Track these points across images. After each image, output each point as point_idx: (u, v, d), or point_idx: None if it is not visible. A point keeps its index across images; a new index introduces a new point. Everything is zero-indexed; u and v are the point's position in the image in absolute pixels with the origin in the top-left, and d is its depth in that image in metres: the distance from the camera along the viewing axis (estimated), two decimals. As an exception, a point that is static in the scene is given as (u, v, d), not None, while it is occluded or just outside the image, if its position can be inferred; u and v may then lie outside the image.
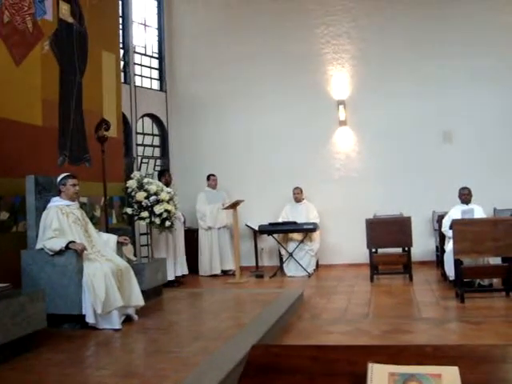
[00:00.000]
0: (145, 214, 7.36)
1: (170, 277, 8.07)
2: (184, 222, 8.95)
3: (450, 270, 6.87)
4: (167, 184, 8.44)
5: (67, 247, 5.20)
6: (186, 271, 8.60)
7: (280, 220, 9.27)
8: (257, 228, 9.24)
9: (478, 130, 9.30)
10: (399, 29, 9.64)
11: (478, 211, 7.32)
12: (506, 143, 9.20)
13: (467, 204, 7.43)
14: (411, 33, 9.58)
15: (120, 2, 9.11)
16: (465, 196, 7.46)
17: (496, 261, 6.62)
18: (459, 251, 6.27)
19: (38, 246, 5.39)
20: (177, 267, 8.40)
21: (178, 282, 8.33)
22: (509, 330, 5.06)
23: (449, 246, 6.96)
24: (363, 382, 1.27)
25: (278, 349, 1.48)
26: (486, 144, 9.25)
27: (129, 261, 6.07)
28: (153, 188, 7.41)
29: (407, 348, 1.38)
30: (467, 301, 6.19)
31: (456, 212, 7.29)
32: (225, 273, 9.36)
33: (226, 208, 8.87)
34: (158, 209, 7.34)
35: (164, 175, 8.75)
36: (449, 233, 6.95)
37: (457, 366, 1.23)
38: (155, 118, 10.35)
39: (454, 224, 6.37)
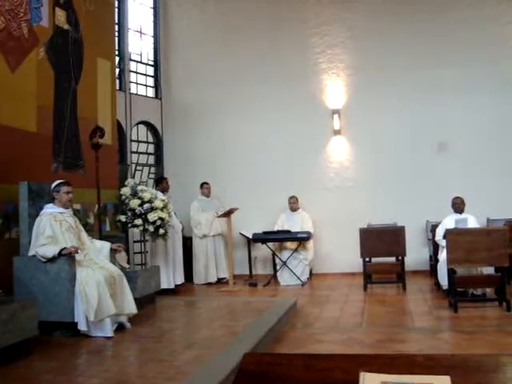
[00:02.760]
0: (138, 221, 7.34)
1: (170, 285, 8.07)
2: (182, 230, 8.95)
3: (443, 279, 6.88)
4: (164, 191, 8.45)
5: (60, 254, 5.18)
6: (182, 280, 8.59)
7: (275, 228, 9.27)
8: (251, 236, 9.23)
9: (472, 140, 9.34)
10: (394, 39, 9.68)
11: (472, 220, 7.35)
12: (499, 153, 9.24)
13: (460, 213, 7.46)
14: (406, 43, 9.63)
15: (116, 10, 9.13)
16: (458, 205, 7.50)
17: (489, 270, 6.63)
18: (452, 261, 6.28)
19: (31, 252, 5.37)
20: (176, 275, 8.39)
21: (172, 290, 8.32)
22: (502, 339, 5.06)
23: (442, 255, 6.97)
24: (355, 391, 1.26)
25: (270, 357, 1.47)
26: (479, 154, 9.29)
27: (122, 268, 6.05)
28: (147, 195, 7.39)
29: (399, 357, 1.38)
30: (460, 310, 6.19)
31: (449, 221, 7.32)
32: (219, 281, 9.34)
33: (220, 216, 8.86)
34: (151, 216, 7.32)
35: (161, 182, 8.76)
36: (442, 242, 6.97)
37: (448, 375, 1.23)
38: (150, 126, 10.35)
39: (448, 234, 6.38)
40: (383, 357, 1.41)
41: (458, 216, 7.40)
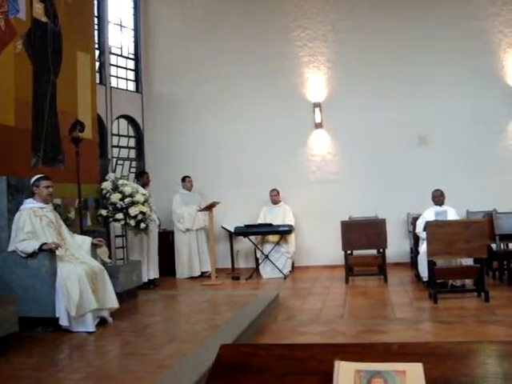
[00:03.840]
0: (120, 215, 7.30)
1: (144, 279, 8.03)
2: (159, 225, 8.91)
3: (423, 271, 6.96)
4: (145, 185, 8.40)
5: (40, 249, 5.14)
6: (157, 274, 8.53)
7: (258, 222, 9.29)
8: (233, 230, 9.24)
9: (451, 133, 9.43)
10: (375, 32, 9.72)
11: (451, 213, 7.44)
12: (478, 146, 9.34)
13: (440, 206, 7.55)
14: (387, 36, 9.68)
15: (96, 2, 9.04)
16: (437, 198, 7.58)
17: (468, 262, 6.72)
18: (432, 253, 6.35)
19: (10, 248, 5.33)
20: (150, 269, 8.35)
21: (154, 284, 8.30)
22: (480, 329, 5.14)
23: (422, 247, 7.05)
24: (330, 379, 1.28)
25: (247, 348, 1.48)
26: (459, 147, 9.38)
27: (103, 263, 6.02)
28: (128, 190, 7.36)
29: (374, 346, 1.40)
30: (440, 301, 6.27)
31: (429, 213, 7.40)
32: (203, 274, 9.33)
33: (202, 210, 8.86)
34: (132, 211, 7.29)
35: (142, 176, 8.72)
36: (422, 234, 7.04)
37: (421, 362, 1.25)
38: (131, 120, 10.29)
39: (428, 226, 6.45)
40: (358, 346, 1.43)
41: (438, 208, 7.49)
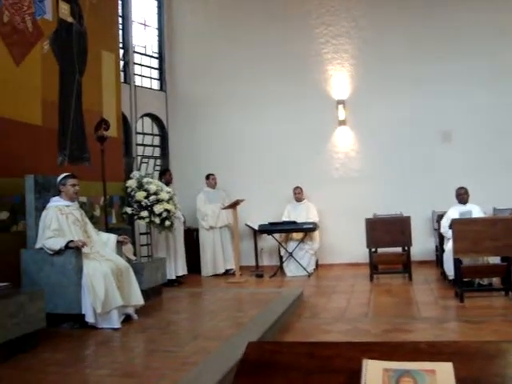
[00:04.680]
0: (144, 213, 7.36)
1: (171, 276, 8.08)
2: (184, 222, 8.95)
3: (449, 269, 6.87)
4: (168, 183, 8.45)
5: (67, 246, 5.21)
6: (185, 271, 8.61)
7: (282, 219, 9.27)
8: (257, 228, 9.24)
9: (477, 129, 9.30)
10: (399, 29, 9.63)
11: (476, 211, 7.32)
12: (505, 142, 9.18)
13: (464, 204, 7.44)
14: (411, 32, 9.58)
15: (120, 2, 9.11)
16: (462, 196, 7.48)
17: (495, 260, 6.61)
18: (459, 251, 6.27)
19: (38, 245, 5.40)
20: (177, 267, 8.41)
21: (179, 281, 8.35)
22: (508, 328, 5.06)
23: (448, 245, 6.96)
24: (358, 378, 1.27)
25: (274, 346, 1.48)
26: (485, 143, 9.24)
27: (128, 260, 6.07)
28: (152, 188, 7.41)
29: (402, 345, 1.39)
30: (466, 300, 6.19)
31: (454, 213, 7.30)
32: (227, 272, 9.36)
33: (226, 208, 8.89)
34: (157, 208, 7.34)
35: (165, 174, 8.77)
36: (448, 234, 6.95)
37: (451, 362, 1.24)
38: (155, 118, 10.36)
39: (454, 223, 6.36)
40: (386, 344, 1.42)
41: (462, 208, 7.38)
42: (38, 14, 6.45)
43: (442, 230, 7.37)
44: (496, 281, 6.90)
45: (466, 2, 9.35)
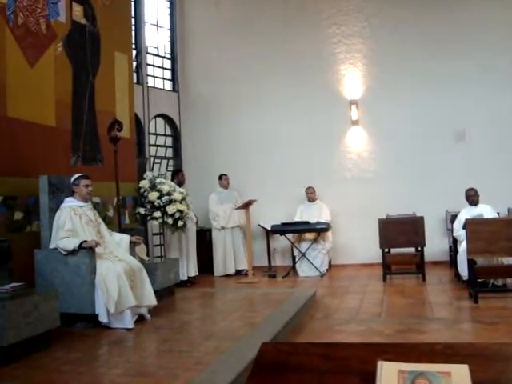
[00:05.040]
0: (157, 214, 7.39)
1: (183, 277, 8.09)
2: (196, 223, 8.96)
3: (463, 270, 6.82)
4: (180, 184, 8.47)
5: (80, 247, 5.23)
6: (196, 272, 8.61)
7: (295, 220, 9.26)
8: (269, 228, 9.23)
9: (491, 129, 9.23)
10: (411, 28, 9.58)
11: (487, 212, 7.25)
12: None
13: (475, 205, 7.38)
14: (424, 32, 9.52)
15: (132, 3, 9.16)
16: (472, 197, 7.43)
17: (510, 261, 6.54)
18: (472, 251, 6.22)
19: (52, 245, 5.44)
20: (189, 267, 8.42)
21: (191, 281, 8.36)
22: (523, 330, 5.01)
23: (462, 245, 6.90)
24: (373, 379, 1.26)
25: (288, 347, 1.48)
26: (499, 143, 9.18)
27: (141, 260, 6.09)
28: (165, 188, 7.44)
29: (417, 346, 1.37)
30: (481, 301, 6.14)
31: (465, 216, 7.22)
32: (238, 273, 9.36)
33: (239, 208, 8.89)
34: (170, 209, 7.36)
35: (177, 175, 8.78)
36: (461, 237, 6.90)
37: (467, 364, 1.22)
38: (168, 119, 10.39)
39: (468, 224, 6.31)
40: (401, 345, 1.41)
41: (473, 211, 7.31)
42: (51, 16, 6.50)
43: (455, 234, 7.32)
44: (511, 281, 6.83)
45: (481, 0, 9.27)
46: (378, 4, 9.81)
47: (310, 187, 9.47)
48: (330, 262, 9.38)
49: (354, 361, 1.35)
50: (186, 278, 8.20)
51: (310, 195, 9.47)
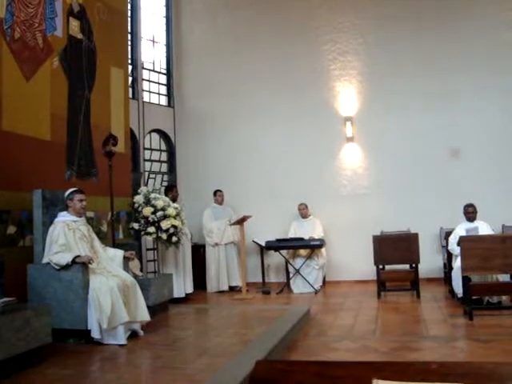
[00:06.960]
0: (151, 229, 7.35)
1: (180, 294, 8.03)
2: (191, 238, 8.93)
3: (457, 287, 6.80)
4: (174, 199, 8.44)
5: (73, 261, 5.20)
6: (192, 288, 8.54)
7: (289, 236, 9.25)
8: (264, 244, 9.21)
9: (485, 145, 9.28)
10: (406, 45, 9.67)
11: (483, 229, 7.26)
12: (513, 160, 9.17)
13: (472, 221, 7.39)
14: (418, 49, 9.61)
15: (129, 19, 9.20)
16: (470, 214, 7.44)
17: (505, 278, 6.54)
18: (467, 268, 6.21)
19: (45, 260, 5.40)
20: (186, 284, 8.36)
21: (186, 297, 8.30)
22: (518, 348, 4.99)
23: (456, 262, 6.90)
24: (368, 398, 1.25)
25: (283, 364, 1.46)
26: (493, 160, 9.22)
27: (135, 276, 6.06)
28: (160, 203, 7.41)
29: (412, 364, 1.36)
30: (476, 318, 6.12)
31: (461, 230, 7.25)
32: (232, 289, 9.31)
33: (233, 224, 8.87)
34: (164, 224, 7.33)
35: (171, 190, 8.75)
36: (455, 251, 6.91)
37: (462, 383, 1.21)
38: (163, 134, 10.40)
39: (462, 241, 6.31)
40: (396, 364, 1.39)
41: (469, 225, 7.32)
42: (48, 31, 6.52)
43: (450, 248, 7.33)
44: (506, 299, 6.82)
45: (477, 18, 9.35)
46: (373, 21, 9.89)
47: (301, 204, 9.47)
48: (324, 278, 9.35)
49: (349, 379, 1.33)
50: (183, 295, 8.14)
51: (302, 211, 9.47)
